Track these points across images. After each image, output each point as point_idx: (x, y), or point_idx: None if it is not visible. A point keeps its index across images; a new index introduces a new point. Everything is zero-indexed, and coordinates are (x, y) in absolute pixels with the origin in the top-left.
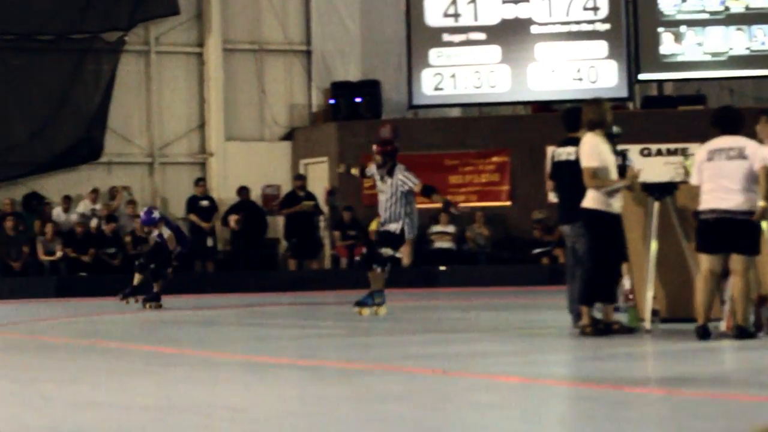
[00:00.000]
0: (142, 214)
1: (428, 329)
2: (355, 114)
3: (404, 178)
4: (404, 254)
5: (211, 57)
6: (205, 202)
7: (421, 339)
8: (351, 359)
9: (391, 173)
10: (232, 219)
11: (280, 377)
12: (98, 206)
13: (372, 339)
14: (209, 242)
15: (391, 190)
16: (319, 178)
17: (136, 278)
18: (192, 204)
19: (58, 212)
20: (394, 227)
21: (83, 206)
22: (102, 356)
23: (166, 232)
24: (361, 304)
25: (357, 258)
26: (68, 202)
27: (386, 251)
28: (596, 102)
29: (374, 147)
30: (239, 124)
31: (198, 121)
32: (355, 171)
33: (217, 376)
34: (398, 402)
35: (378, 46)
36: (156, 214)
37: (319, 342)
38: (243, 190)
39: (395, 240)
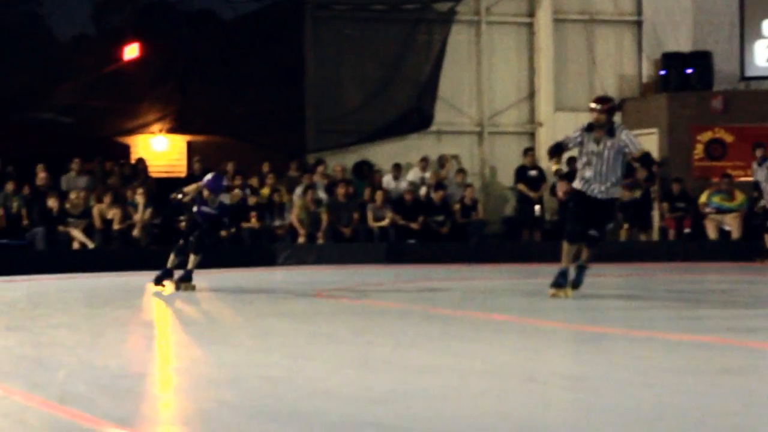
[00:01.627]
0: (209, 177)
1: (763, 303)
2: (686, 85)
3: (630, 140)
4: (733, 227)
5: (542, 27)
6: (533, 172)
7: (755, 312)
8: (684, 331)
9: (611, 133)
10: (561, 189)
11: (614, 347)
12: (427, 174)
13: (703, 311)
14: (537, 211)
15: (612, 152)
16: (649, 149)
17: (171, 260)
18: (520, 173)
19: (388, 180)
20: (618, 193)
21: (413, 174)
22: (434, 322)
23: (227, 198)
24: (576, 285)
25: (687, 230)
26: (398, 169)
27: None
28: None
29: (594, 105)
30: (568, 94)
31: (527, 91)
32: (556, 165)
33: (549, 345)
34: (736, 375)
35: (709, 16)
36: (225, 182)
37: (650, 313)
38: (572, 161)
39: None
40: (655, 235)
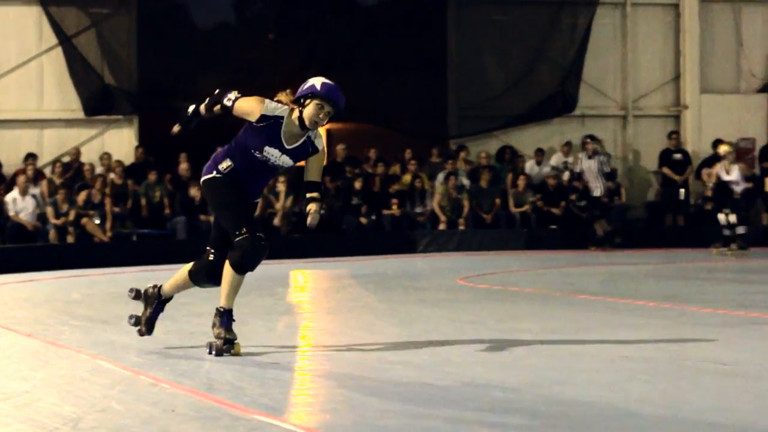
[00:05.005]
0: (323, 80)
1: None
2: None
3: None
4: None
5: (687, 9)
6: (678, 156)
7: None
8: None
9: None
10: (705, 173)
11: (764, 333)
12: (570, 159)
13: None
14: (681, 195)
15: None
16: None
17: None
18: (665, 157)
19: (531, 165)
20: None
21: (555, 159)
22: (577, 307)
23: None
24: None
25: None
26: (541, 154)
27: None
28: None
29: None
30: (715, 76)
31: (673, 74)
32: None
33: (696, 330)
34: None
35: None
36: None
37: None
38: (718, 144)
39: None
40: None
